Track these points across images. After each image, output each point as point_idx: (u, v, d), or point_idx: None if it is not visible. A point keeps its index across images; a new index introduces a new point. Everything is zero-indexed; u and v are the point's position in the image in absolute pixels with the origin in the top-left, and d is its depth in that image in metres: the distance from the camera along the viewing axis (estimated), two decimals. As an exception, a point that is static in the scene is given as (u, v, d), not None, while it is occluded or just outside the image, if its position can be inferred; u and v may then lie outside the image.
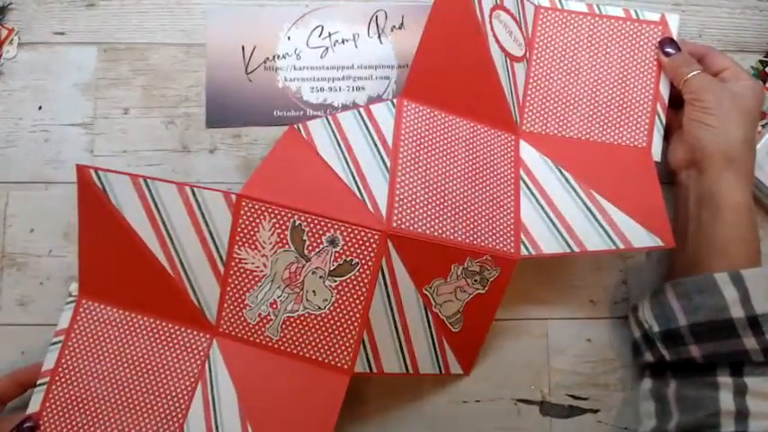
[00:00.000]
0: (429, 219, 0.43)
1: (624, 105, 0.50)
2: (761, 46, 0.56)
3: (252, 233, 0.42)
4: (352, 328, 0.42)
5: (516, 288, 0.50)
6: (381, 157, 0.44)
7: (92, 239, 0.44)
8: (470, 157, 0.45)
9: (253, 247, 0.43)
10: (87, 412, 0.44)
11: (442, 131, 0.45)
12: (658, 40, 0.50)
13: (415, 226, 0.42)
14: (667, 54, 0.49)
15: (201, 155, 0.51)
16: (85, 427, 0.43)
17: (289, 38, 0.53)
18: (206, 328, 0.45)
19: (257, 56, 0.53)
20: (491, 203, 0.45)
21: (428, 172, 0.44)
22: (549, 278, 0.51)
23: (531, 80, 0.50)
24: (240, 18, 0.53)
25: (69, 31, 0.53)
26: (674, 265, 0.48)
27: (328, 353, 0.43)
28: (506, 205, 0.46)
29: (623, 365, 0.50)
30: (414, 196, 0.43)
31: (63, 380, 0.44)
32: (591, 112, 0.50)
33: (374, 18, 0.54)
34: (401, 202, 0.42)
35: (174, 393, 0.44)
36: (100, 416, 0.44)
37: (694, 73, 0.47)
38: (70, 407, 0.44)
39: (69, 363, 0.44)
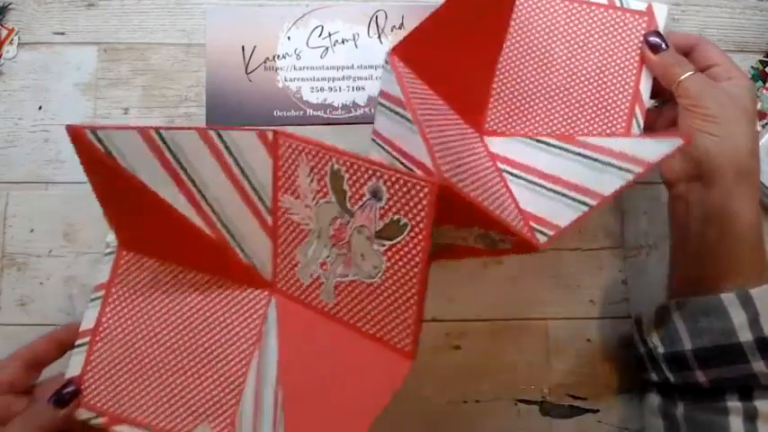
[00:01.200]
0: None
1: (598, 105, 0.45)
2: (761, 46, 0.56)
3: (292, 179, 0.37)
4: (407, 305, 0.35)
5: (516, 288, 0.50)
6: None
7: (112, 205, 0.39)
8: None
9: (295, 195, 0.37)
10: (133, 375, 0.40)
11: (426, 101, 0.40)
12: (642, 32, 0.44)
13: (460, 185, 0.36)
14: (654, 50, 0.43)
15: (201, 155, 0.51)
16: (131, 390, 0.40)
17: (289, 38, 0.53)
18: (263, 284, 0.40)
19: (257, 56, 0.53)
20: (496, 202, 0.40)
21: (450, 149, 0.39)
22: (549, 278, 0.51)
23: (498, 72, 0.45)
24: (240, 18, 0.53)
25: (69, 31, 0.53)
26: (674, 279, 0.45)
27: (386, 329, 0.36)
28: (505, 202, 0.42)
29: (623, 365, 0.50)
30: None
31: (105, 339, 0.40)
32: (560, 112, 0.45)
33: (374, 18, 0.54)
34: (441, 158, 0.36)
35: (230, 356, 0.40)
36: (147, 379, 0.40)
37: (689, 74, 0.42)
38: (114, 369, 0.40)
39: (111, 320, 0.41)
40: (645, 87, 0.44)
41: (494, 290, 0.50)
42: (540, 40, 0.45)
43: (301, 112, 0.52)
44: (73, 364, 0.40)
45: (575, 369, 0.50)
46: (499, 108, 0.45)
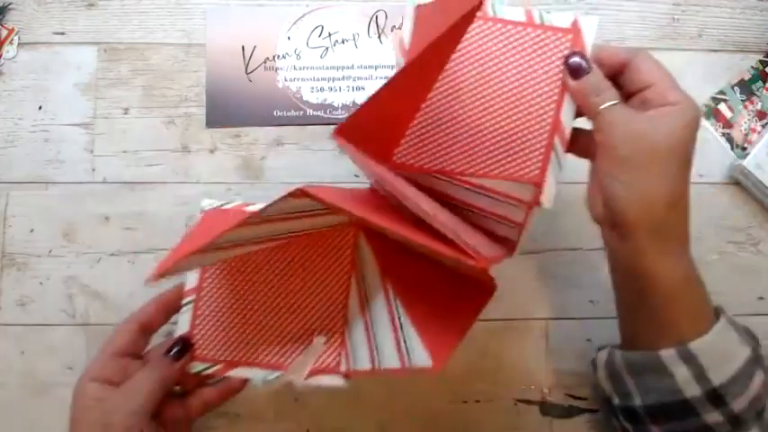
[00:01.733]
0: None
1: (513, 139, 0.39)
2: (761, 46, 0.56)
3: None
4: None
5: (516, 288, 0.50)
6: None
7: None
8: None
9: None
10: (239, 321, 0.42)
11: None
12: (565, 53, 0.38)
13: None
14: (575, 74, 0.36)
15: (201, 155, 0.51)
16: (239, 336, 0.42)
17: (289, 38, 0.53)
18: (348, 225, 0.43)
19: (257, 56, 0.53)
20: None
21: None
22: (549, 278, 0.51)
23: (425, 104, 0.40)
24: (240, 18, 0.53)
25: (69, 31, 0.53)
26: (619, 327, 0.42)
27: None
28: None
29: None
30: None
31: (209, 294, 0.42)
32: (470, 147, 0.39)
33: (374, 18, 0.54)
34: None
35: (328, 284, 0.43)
36: (253, 322, 0.42)
37: (608, 105, 0.35)
38: (220, 319, 0.42)
39: (212, 276, 0.43)
40: (567, 117, 0.38)
41: (494, 290, 0.50)
42: (453, 67, 0.39)
43: (301, 112, 0.52)
44: (181, 323, 0.42)
45: (575, 369, 0.50)
46: (412, 141, 0.40)
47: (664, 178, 0.34)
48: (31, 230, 0.50)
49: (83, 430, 0.37)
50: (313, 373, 0.42)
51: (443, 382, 0.49)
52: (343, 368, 0.42)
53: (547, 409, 0.49)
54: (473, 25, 0.38)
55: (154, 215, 0.50)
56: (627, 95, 0.37)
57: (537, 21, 0.38)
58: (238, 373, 0.42)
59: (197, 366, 0.42)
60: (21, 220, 0.50)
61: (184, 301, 0.43)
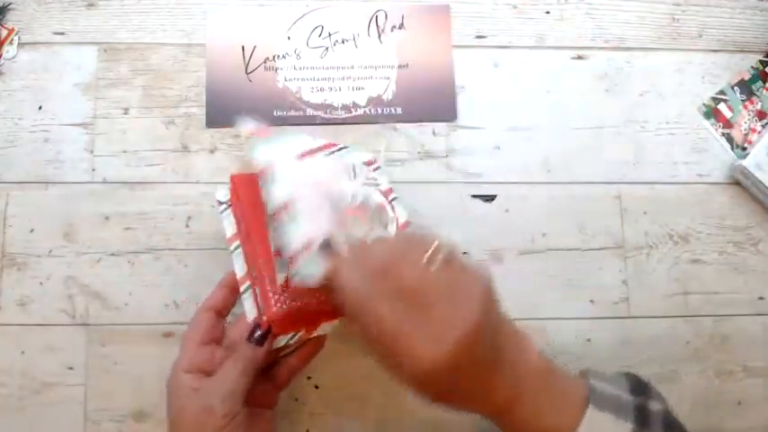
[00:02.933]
0: None
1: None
2: (761, 46, 0.56)
3: None
4: None
5: (516, 288, 0.50)
6: None
7: None
8: None
9: None
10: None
11: None
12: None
13: None
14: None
15: (201, 155, 0.51)
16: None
17: (289, 38, 0.53)
18: None
19: (257, 56, 0.53)
20: None
21: None
22: (549, 278, 0.51)
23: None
24: (240, 18, 0.53)
25: (69, 31, 0.53)
26: None
27: None
28: None
29: (623, 365, 0.50)
30: None
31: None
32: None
33: (374, 18, 0.54)
34: None
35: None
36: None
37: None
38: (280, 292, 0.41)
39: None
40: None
41: (494, 290, 0.50)
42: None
43: (301, 112, 0.52)
44: (248, 308, 0.42)
45: (575, 369, 0.50)
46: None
47: (432, 342, 0.31)
48: (31, 230, 0.50)
49: (187, 417, 0.39)
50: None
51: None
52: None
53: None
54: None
55: (154, 215, 0.50)
56: None
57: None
58: (321, 329, 0.43)
59: (282, 340, 0.42)
60: (21, 220, 0.50)
61: (241, 290, 0.42)
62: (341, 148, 0.45)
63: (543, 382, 0.35)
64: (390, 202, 0.44)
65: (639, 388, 0.37)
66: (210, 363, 0.41)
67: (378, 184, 0.44)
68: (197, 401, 0.38)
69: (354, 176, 0.44)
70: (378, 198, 0.44)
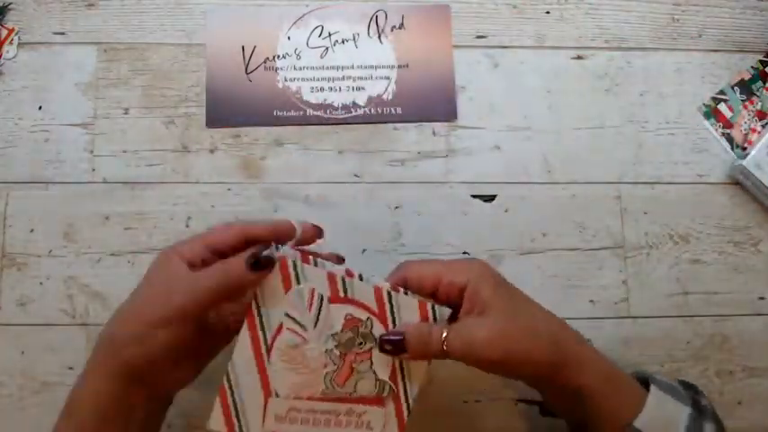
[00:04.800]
0: None
1: None
2: (761, 46, 0.56)
3: None
4: None
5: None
6: None
7: None
8: None
9: None
10: None
11: None
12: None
13: None
14: (397, 350, 0.37)
15: (201, 155, 0.51)
16: None
17: (289, 38, 0.53)
18: None
19: (257, 56, 0.53)
20: None
21: None
22: (549, 278, 0.51)
23: None
24: (240, 18, 0.53)
25: (69, 31, 0.53)
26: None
27: None
28: None
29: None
30: None
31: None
32: None
33: (374, 18, 0.54)
34: None
35: None
36: None
37: (444, 335, 0.37)
38: None
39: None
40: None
41: (494, 290, 0.50)
42: None
43: (301, 112, 0.52)
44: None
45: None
46: None
47: (535, 337, 0.38)
48: (31, 230, 0.50)
49: (153, 287, 0.37)
50: None
51: (444, 382, 0.49)
52: None
53: (547, 409, 0.49)
54: None
55: (154, 215, 0.50)
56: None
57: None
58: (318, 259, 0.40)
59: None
60: (21, 220, 0.50)
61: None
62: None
63: (607, 365, 0.40)
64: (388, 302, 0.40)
65: (688, 385, 0.42)
66: (202, 265, 0.37)
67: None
68: (163, 284, 0.37)
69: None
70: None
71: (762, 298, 0.52)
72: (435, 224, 0.51)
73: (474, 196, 0.52)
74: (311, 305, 0.38)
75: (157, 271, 0.38)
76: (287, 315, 0.38)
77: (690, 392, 0.41)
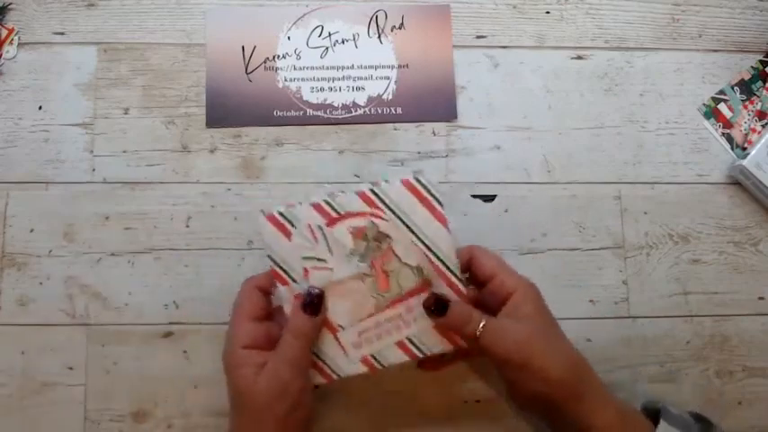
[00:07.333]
0: None
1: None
2: (761, 46, 0.56)
3: None
4: None
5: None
6: None
7: None
8: None
9: None
10: None
11: None
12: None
13: None
14: (439, 311, 0.40)
15: (201, 155, 0.51)
16: None
17: (289, 38, 0.53)
18: None
19: (257, 56, 0.53)
20: None
21: None
22: (549, 278, 0.51)
23: None
24: (240, 18, 0.53)
25: (69, 31, 0.53)
26: None
27: None
28: None
29: (623, 365, 0.50)
30: None
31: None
32: None
33: (374, 18, 0.54)
34: None
35: None
36: None
37: (483, 324, 0.39)
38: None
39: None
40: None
41: (494, 290, 0.50)
42: None
43: (301, 112, 0.52)
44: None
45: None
46: None
47: (558, 355, 0.40)
48: (31, 230, 0.50)
49: (259, 393, 0.38)
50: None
51: (443, 382, 0.49)
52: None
53: None
54: None
55: (154, 215, 0.50)
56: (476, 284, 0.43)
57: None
58: None
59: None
60: (21, 220, 0.50)
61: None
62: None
63: (619, 404, 0.41)
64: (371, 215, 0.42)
65: (700, 417, 0.43)
66: (268, 338, 0.40)
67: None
68: (266, 377, 0.38)
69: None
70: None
71: (762, 298, 0.52)
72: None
73: (474, 196, 0.52)
74: (316, 238, 0.41)
75: (244, 378, 0.39)
76: (303, 258, 0.41)
77: (701, 425, 0.42)
